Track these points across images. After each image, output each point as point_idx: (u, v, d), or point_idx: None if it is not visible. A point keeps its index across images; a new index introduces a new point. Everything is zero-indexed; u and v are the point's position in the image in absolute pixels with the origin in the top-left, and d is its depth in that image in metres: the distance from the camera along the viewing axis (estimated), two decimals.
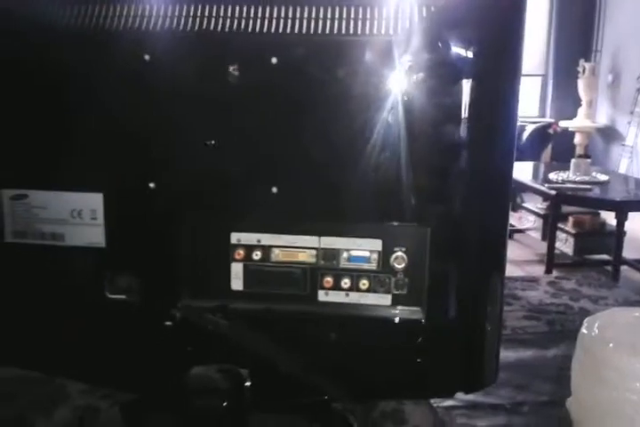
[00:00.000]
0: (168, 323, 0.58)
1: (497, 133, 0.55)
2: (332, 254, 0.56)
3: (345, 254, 0.56)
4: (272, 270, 0.57)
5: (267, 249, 0.57)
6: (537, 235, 4.12)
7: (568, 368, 0.69)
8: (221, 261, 0.58)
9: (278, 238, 0.57)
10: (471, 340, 0.57)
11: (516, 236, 4.15)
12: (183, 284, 0.59)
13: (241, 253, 0.57)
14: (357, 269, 0.56)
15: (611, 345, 0.63)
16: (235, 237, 0.58)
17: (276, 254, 0.57)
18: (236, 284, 0.58)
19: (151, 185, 0.57)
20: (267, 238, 0.57)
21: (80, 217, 0.59)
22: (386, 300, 0.56)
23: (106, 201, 0.58)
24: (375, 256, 0.55)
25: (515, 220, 4.22)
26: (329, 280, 0.56)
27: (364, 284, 0.56)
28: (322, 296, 0.57)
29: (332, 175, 0.55)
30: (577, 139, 5.08)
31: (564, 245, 3.55)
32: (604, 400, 0.64)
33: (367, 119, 0.53)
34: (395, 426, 0.69)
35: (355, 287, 0.56)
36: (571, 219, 3.55)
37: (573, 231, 3.51)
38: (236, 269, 0.58)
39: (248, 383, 0.58)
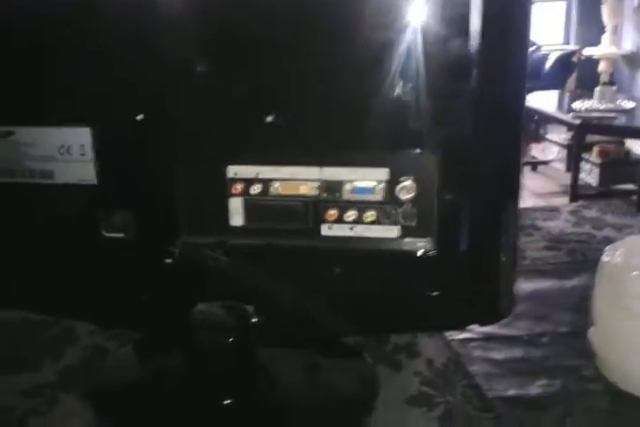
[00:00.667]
0: (168, 260, 0.56)
1: (508, 53, 0.50)
2: (336, 186, 0.53)
3: (349, 186, 0.52)
4: (272, 205, 0.54)
5: (266, 183, 0.54)
6: (561, 166, 4.03)
7: (589, 298, 0.67)
8: (219, 196, 0.55)
9: (278, 171, 0.54)
10: (485, 271, 0.54)
11: (540, 168, 4.07)
12: (181, 220, 0.56)
13: (239, 187, 0.54)
14: (362, 200, 0.52)
15: (634, 273, 0.60)
16: (232, 171, 0.54)
17: (276, 188, 0.54)
18: (236, 219, 0.55)
19: (139, 117, 0.54)
20: (266, 171, 0.54)
21: (69, 153, 0.57)
22: (393, 232, 0.53)
23: (94, 135, 0.55)
24: (381, 187, 0.52)
25: (538, 151, 4.13)
26: (332, 213, 0.53)
27: (369, 216, 0.53)
28: (325, 230, 0.54)
29: (332, 101, 0.51)
30: (601, 66, 4.87)
31: (589, 175, 3.48)
32: (626, 330, 0.61)
33: (369, 38, 0.49)
34: (408, 359, 0.68)
35: (360, 220, 0.53)
36: (595, 149, 3.47)
37: (598, 161, 3.44)
38: (235, 205, 0.55)
39: (254, 320, 0.57)
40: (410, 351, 0.69)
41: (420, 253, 0.52)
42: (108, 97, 0.54)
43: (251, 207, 0.55)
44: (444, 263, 0.53)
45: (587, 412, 0.61)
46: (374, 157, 0.52)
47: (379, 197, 0.52)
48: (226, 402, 0.57)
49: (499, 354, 0.68)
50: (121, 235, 0.57)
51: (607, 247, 0.64)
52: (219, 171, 0.54)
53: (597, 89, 3.36)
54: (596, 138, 3.45)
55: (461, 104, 0.50)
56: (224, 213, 0.55)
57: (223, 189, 0.54)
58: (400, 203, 0.52)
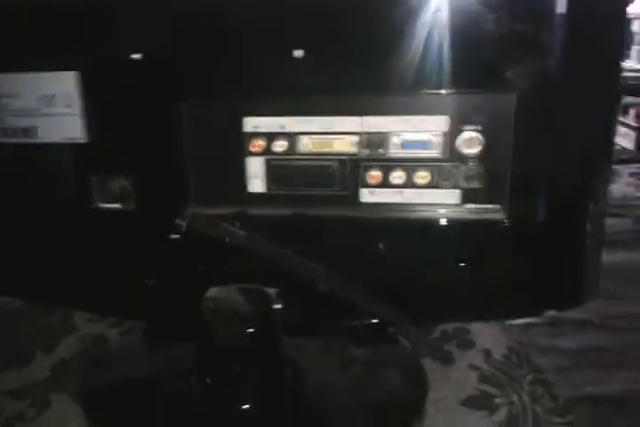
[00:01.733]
0: (174, 236, 0.47)
1: None
2: (379, 140, 0.42)
3: (396, 139, 0.42)
4: (300, 165, 0.44)
5: (292, 137, 0.44)
6: None
7: None
8: (235, 155, 0.45)
9: (307, 122, 0.43)
10: (568, 246, 0.44)
11: None
12: (189, 187, 0.46)
13: (259, 143, 0.44)
14: (414, 158, 0.42)
15: None
16: (250, 124, 0.44)
17: (305, 144, 0.44)
18: (255, 184, 0.45)
19: (136, 56, 0.43)
20: (292, 123, 0.43)
21: (53, 105, 0.47)
22: (453, 197, 0.42)
23: (81, 82, 0.45)
24: (438, 139, 0.41)
25: None
26: (375, 175, 0.43)
27: (422, 177, 0.42)
28: (366, 196, 0.44)
29: (374, 29, 0.40)
30: (638, 25, 4.65)
31: (624, 139, 3.34)
32: None
33: None
34: (460, 350, 0.58)
35: (410, 183, 0.42)
36: (632, 111, 3.31)
37: (635, 124, 3.28)
38: (254, 166, 0.45)
39: (278, 306, 0.47)
40: (461, 340, 0.59)
41: (486, 223, 0.42)
42: (97, 33, 0.44)
43: (274, 169, 0.45)
44: (518, 235, 0.42)
45: None
46: (429, 102, 0.41)
47: (435, 152, 0.42)
48: (245, 407, 0.48)
49: (569, 342, 0.58)
50: (118, 206, 0.47)
51: None
52: (234, 123, 0.44)
53: (635, 48, 3.18)
54: (634, 100, 3.30)
55: (547, 29, 0.38)
56: (241, 177, 0.45)
57: (239, 146, 0.44)
58: (463, 160, 0.41)
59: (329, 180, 0.44)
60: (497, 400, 0.52)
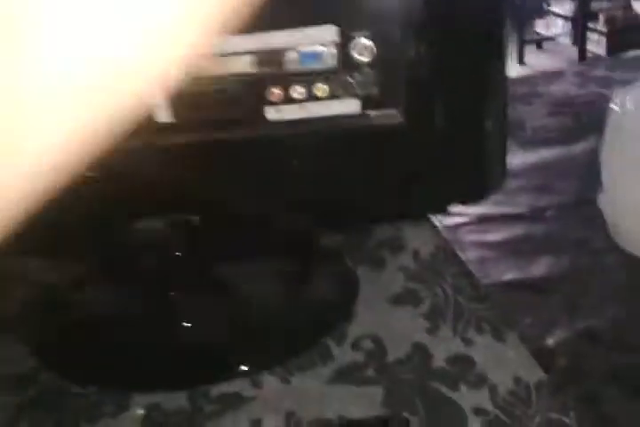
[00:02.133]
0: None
1: None
2: (276, 57, 0.41)
3: (292, 55, 0.41)
4: (201, 90, 0.42)
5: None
6: (567, 41, 3.81)
7: (599, 162, 0.57)
8: None
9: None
10: (466, 143, 0.45)
11: (546, 45, 3.85)
12: None
13: None
14: (311, 71, 0.41)
15: None
16: None
17: (204, 68, 0.42)
18: (161, 115, 0.45)
19: None
20: None
21: None
22: (353, 106, 0.42)
23: None
24: (332, 50, 0.41)
25: (542, 27, 3.88)
26: (276, 92, 0.42)
27: (321, 90, 0.42)
28: (271, 114, 0.43)
29: None
30: None
31: (597, 45, 3.27)
32: None
33: None
34: (392, 255, 0.60)
35: (311, 96, 0.42)
36: (601, 16, 3.22)
37: (605, 29, 3.21)
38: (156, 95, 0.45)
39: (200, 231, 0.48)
40: (394, 245, 0.61)
41: (387, 127, 0.42)
42: None
43: (175, 97, 0.43)
44: (418, 136, 0.43)
45: (602, 289, 0.53)
46: (317, 12, 0.40)
47: (330, 63, 0.41)
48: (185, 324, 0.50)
49: (496, 235, 0.60)
50: None
51: (615, 93, 0.54)
52: None
53: None
54: (603, 5, 3.20)
55: None
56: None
57: None
58: (357, 68, 0.41)
59: (233, 102, 0.43)
60: (421, 295, 0.54)
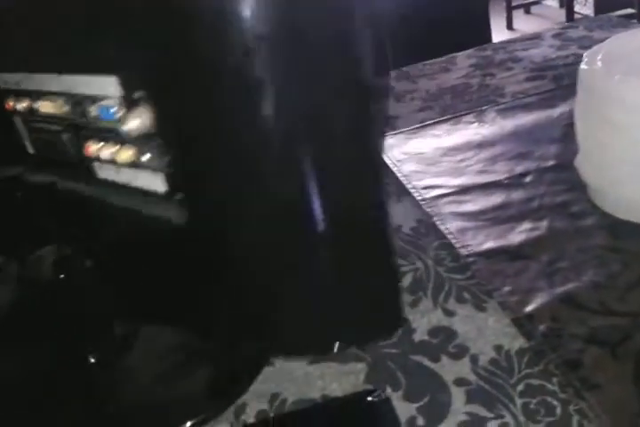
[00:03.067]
0: None
1: None
2: (81, 104, 0.35)
3: (94, 106, 0.34)
4: (42, 128, 0.38)
5: (32, 96, 0.38)
6: (554, 3, 3.75)
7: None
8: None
9: (31, 79, 0.37)
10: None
11: (533, 9, 3.80)
12: None
13: (11, 103, 0.39)
14: (110, 128, 0.34)
15: (616, 77, 0.49)
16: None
17: (41, 105, 0.38)
18: (29, 146, 0.41)
19: None
20: (28, 80, 0.38)
21: None
22: (155, 182, 0.33)
23: None
24: (119, 106, 0.33)
25: None
26: (94, 146, 0.35)
27: (124, 154, 0.34)
28: (100, 171, 0.37)
29: None
30: None
31: (584, 7, 3.23)
32: (615, 147, 0.51)
33: None
34: None
35: (121, 159, 0.34)
36: None
37: None
38: (20, 127, 0.41)
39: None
40: None
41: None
42: None
43: (31, 130, 0.40)
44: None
45: (581, 252, 0.52)
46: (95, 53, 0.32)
47: (118, 123, 0.33)
48: None
49: (474, 205, 0.59)
50: None
51: (585, 54, 0.53)
52: None
53: None
54: None
55: None
56: (18, 137, 0.41)
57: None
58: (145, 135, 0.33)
59: (62, 148, 0.37)
60: (403, 269, 0.54)
